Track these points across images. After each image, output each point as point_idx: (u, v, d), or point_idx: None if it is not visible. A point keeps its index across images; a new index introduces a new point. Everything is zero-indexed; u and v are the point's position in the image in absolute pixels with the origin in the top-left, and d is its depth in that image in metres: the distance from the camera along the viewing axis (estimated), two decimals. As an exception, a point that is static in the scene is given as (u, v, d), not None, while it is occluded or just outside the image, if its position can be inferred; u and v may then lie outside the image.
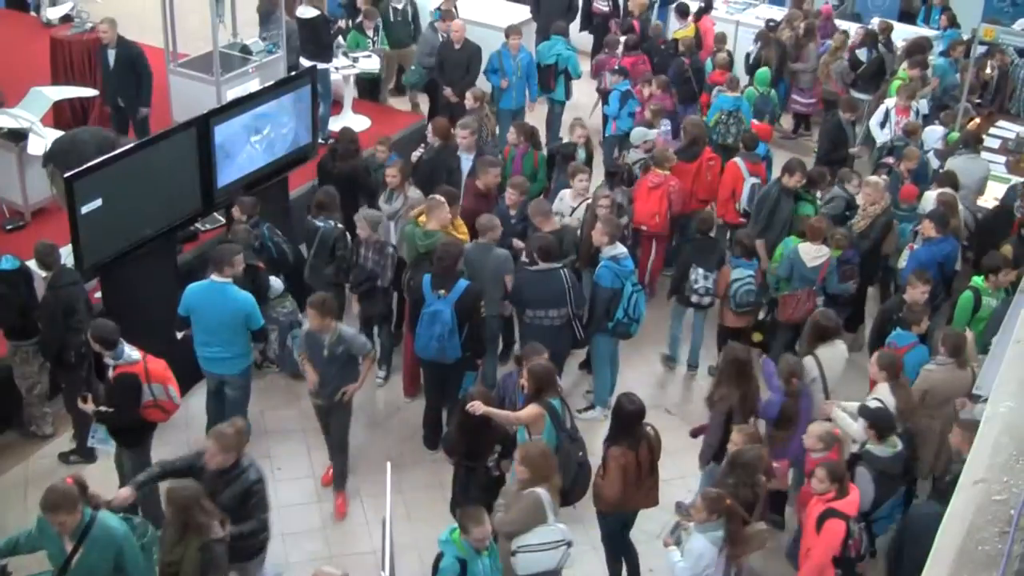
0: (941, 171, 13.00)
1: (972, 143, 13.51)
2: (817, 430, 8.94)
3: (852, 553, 8.41)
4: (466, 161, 12.94)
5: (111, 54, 14.24)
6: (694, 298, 11.98)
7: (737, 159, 13.39)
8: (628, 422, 8.84)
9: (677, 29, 17.78)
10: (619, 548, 9.43)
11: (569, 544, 8.22)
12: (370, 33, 16.51)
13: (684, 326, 12.56)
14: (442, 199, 11.32)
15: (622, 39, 16.47)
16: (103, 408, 9.34)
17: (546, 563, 8.19)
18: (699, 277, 11.82)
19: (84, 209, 10.01)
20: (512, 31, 15.83)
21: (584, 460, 9.08)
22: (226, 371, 10.45)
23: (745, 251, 11.86)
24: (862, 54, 16.67)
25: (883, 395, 9.40)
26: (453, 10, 16.49)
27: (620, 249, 11.00)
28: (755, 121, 14.88)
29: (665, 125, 14.46)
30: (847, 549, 8.32)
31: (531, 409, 8.90)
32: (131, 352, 9.25)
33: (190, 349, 10.51)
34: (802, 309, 11.53)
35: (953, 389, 9.69)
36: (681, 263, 12.18)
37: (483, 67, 15.82)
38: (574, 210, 12.17)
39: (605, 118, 15.64)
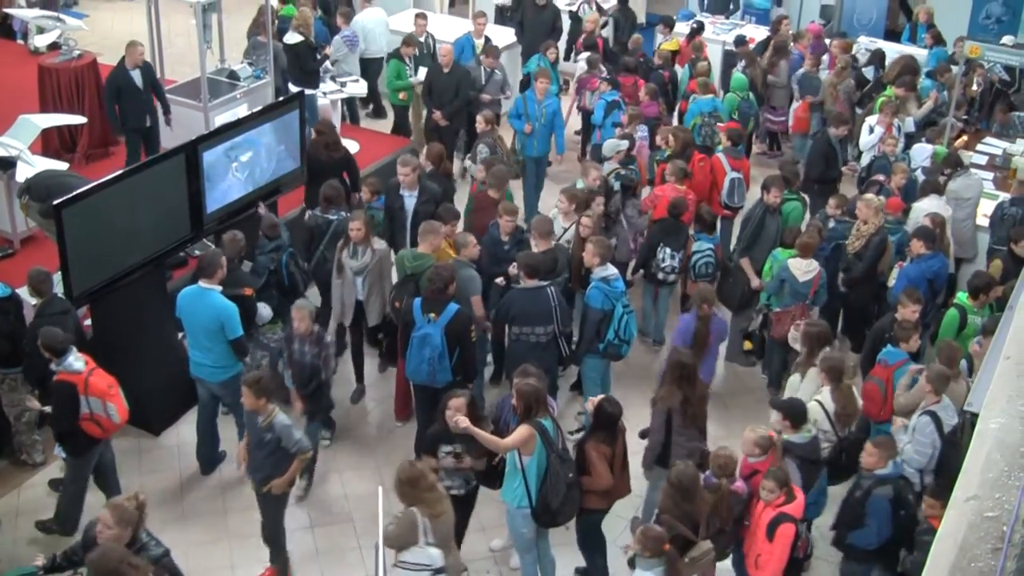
0: (924, 182, 13.02)
1: (959, 164, 13.54)
2: (752, 436, 9.00)
3: (800, 554, 8.84)
4: (409, 199, 12.44)
5: (136, 75, 14.24)
6: (660, 275, 12.64)
7: (720, 154, 14.02)
8: (608, 422, 9.03)
9: (661, 43, 17.90)
10: (598, 542, 9.55)
11: (438, 571, 8.08)
12: (408, 62, 16.51)
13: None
14: (437, 224, 11.37)
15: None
16: (46, 409, 9.66)
17: None
18: (666, 256, 12.50)
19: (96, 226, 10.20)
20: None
21: (574, 481, 9.03)
22: (208, 377, 10.59)
23: (705, 226, 12.69)
24: (869, 72, 16.73)
25: (824, 398, 9.67)
26: (495, 47, 16.62)
27: (611, 270, 11.01)
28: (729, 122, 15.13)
29: (642, 131, 14.67)
30: (795, 550, 8.63)
31: (520, 431, 8.84)
32: (75, 362, 9.39)
33: (180, 377, 10.50)
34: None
35: (954, 401, 9.67)
36: (649, 242, 12.72)
37: (508, 111, 15.83)
38: (565, 231, 12.18)
39: (586, 134, 16.25)
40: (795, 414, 9.21)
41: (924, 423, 9.32)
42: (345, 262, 11.32)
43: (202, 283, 10.39)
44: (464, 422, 8.81)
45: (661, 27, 18.42)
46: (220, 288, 10.39)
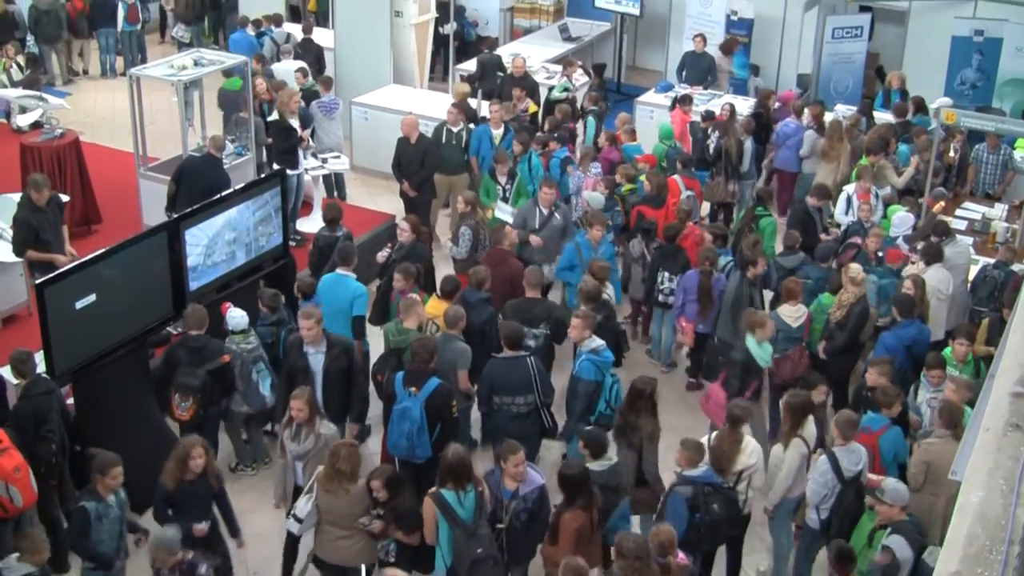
0: (925, 249, 13.03)
1: (947, 232, 13.63)
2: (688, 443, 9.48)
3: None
4: (314, 356, 10.97)
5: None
6: (660, 298, 13.42)
7: (676, 176, 15.09)
8: (578, 486, 8.99)
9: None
10: None
11: None
12: (503, 180, 14.83)
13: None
14: (417, 299, 11.44)
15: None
16: None
17: None
18: (664, 279, 13.26)
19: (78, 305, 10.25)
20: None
21: (486, 556, 8.92)
22: None
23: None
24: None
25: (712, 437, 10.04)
26: (550, 179, 14.45)
27: (598, 342, 11.02)
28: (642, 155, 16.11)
29: (595, 167, 15.47)
30: None
31: (425, 505, 8.98)
32: None
33: (164, 454, 10.45)
34: (800, 367, 11.87)
35: (951, 462, 9.67)
36: (650, 268, 13.50)
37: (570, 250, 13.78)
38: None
39: None
40: (595, 445, 9.49)
41: (822, 462, 9.66)
42: (286, 444, 10.09)
43: (340, 270, 12.02)
44: (377, 526, 9.17)
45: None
46: (355, 276, 12.06)
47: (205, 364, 10.79)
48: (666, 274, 13.22)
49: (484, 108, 17.57)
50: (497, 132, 16.09)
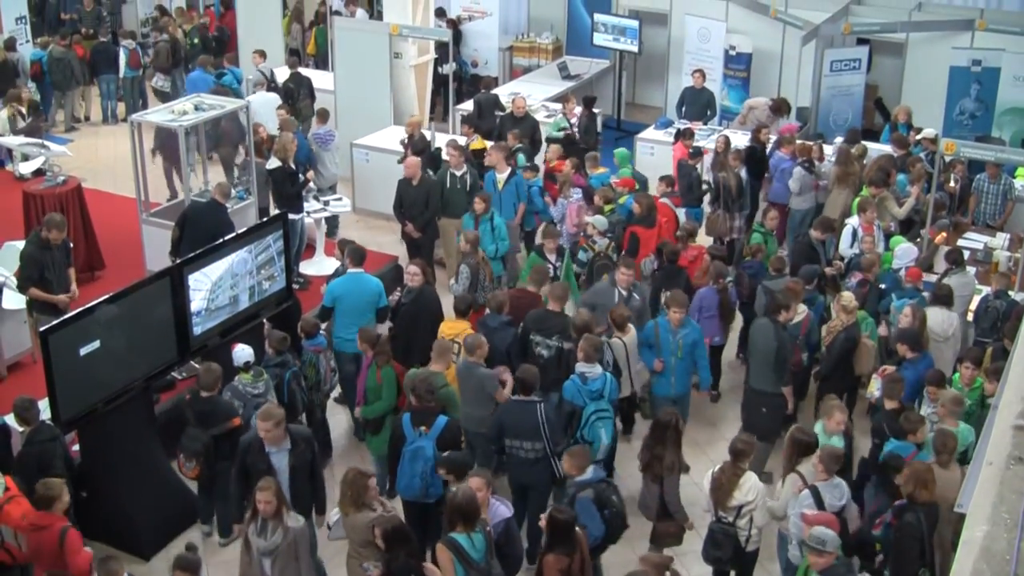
0: (934, 293, 13.03)
1: (958, 261, 13.71)
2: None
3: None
4: (277, 456, 9.96)
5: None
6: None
7: (664, 200, 15.48)
8: (564, 531, 8.95)
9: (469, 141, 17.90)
10: None
11: None
12: (552, 258, 14.07)
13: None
14: (450, 344, 11.56)
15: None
16: None
17: None
18: (666, 299, 12.97)
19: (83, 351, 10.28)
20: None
21: None
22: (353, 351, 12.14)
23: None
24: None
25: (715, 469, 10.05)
26: (628, 271, 13.22)
27: (593, 368, 11.07)
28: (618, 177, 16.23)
29: (576, 193, 15.79)
30: None
31: (439, 553, 8.86)
32: None
33: (169, 500, 10.45)
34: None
35: (946, 489, 9.60)
36: (652, 289, 13.85)
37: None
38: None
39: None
40: (456, 468, 9.64)
41: (804, 496, 9.62)
42: (252, 540, 9.28)
43: (353, 270, 12.76)
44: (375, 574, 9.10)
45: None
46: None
47: (211, 428, 10.70)
48: (667, 294, 12.91)
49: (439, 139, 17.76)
50: (501, 176, 15.75)
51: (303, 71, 21.33)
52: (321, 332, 12.36)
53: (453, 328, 12.07)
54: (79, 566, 9.15)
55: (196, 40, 24.01)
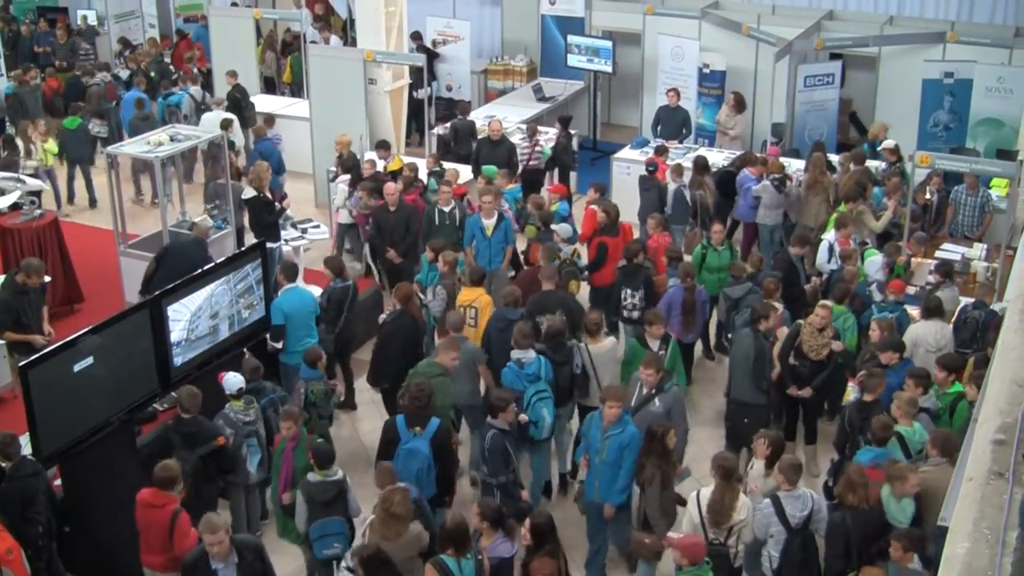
0: (926, 305, 13.07)
1: (949, 275, 13.84)
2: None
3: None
4: (224, 572, 8.97)
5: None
6: (625, 313, 14.06)
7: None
8: (544, 533, 9.05)
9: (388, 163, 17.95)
10: None
11: None
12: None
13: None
14: (456, 338, 11.98)
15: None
16: None
17: None
18: (627, 295, 13.95)
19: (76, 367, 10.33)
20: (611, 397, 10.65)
21: None
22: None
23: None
24: None
25: (703, 493, 9.93)
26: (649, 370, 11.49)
27: (527, 354, 11.49)
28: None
29: (563, 207, 16.07)
30: None
31: (427, 572, 8.90)
32: None
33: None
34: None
35: (947, 489, 9.64)
36: (614, 288, 14.24)
37: None
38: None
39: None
40: (322, 458, 10.02)
41: (766, 505, 9.73)
42: None
43: (289, 285, 13.22)
44: None
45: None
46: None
47: (198, 448, 10.73)
48: (628, 291, 13.93)
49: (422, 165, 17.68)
50: (489, 223, 15.04)
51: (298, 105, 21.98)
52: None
53: (469, 295, 13.13)
54: (185, 547, 9.44)
55: (153, 74, 23.89)
